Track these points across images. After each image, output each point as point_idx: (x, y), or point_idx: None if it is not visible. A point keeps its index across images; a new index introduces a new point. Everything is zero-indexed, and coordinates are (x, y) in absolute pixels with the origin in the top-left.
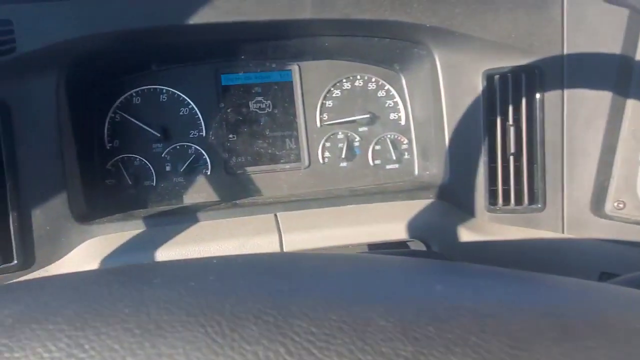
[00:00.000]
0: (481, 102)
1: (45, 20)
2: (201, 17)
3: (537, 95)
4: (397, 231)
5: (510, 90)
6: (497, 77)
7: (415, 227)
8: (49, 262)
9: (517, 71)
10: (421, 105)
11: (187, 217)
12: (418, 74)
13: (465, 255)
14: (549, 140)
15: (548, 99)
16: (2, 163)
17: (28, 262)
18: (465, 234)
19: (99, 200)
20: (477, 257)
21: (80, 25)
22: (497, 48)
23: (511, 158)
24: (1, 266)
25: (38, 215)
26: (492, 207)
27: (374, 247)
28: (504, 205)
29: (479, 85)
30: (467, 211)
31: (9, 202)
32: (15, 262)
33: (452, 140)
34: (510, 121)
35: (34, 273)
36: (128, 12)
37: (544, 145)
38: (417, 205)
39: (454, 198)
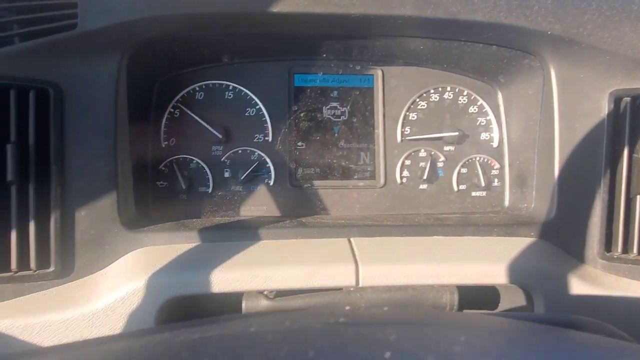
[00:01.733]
0: (605, 128)
1: None
2: (286, 5)
3: None
4: (492, 273)
5: None
6: (627, 99)
7: (515, 270)
8: (89, 271)
9: None
10: (521, 125)
11: (247, 233)
12: (525, 90)
13: (573, 309)
14: None
15: None
16: (48, 154)
17: (67, 270)
18: (576, 285)
19: (148, 204)
20: (589, 313)
21: (149, 5)
22: (631, 65)
23: (638, 198)
24: (36, 272)
25: (83, 217)
26: (607, 254)
27: (465, 290)
28: (622, 253)
29: (603, 108)
30: (576, 256)
31: (52, 200)
32: (53, 268)
33: (563, 169)
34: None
35: (72, 283)
36: None
37: None
38: (516, 244)
39: (560, 239)
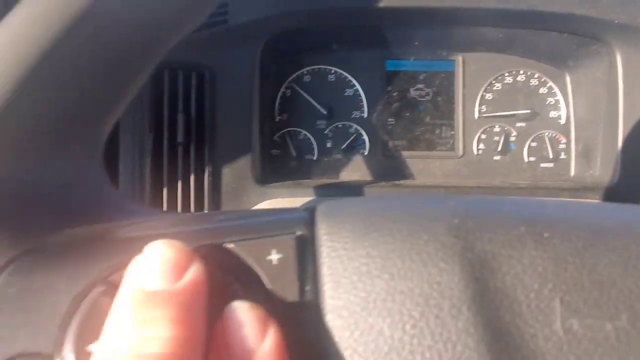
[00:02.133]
0: None
1: None
2: (393, 1)
3: None
4: None
5: None
6: None
7: None
8: None
9: None
10: (587, 104)
11: (351, 191)
12: (592, 73)
13: None
14: None
15: None
16: (205, 123)
17: None
18: None
19: (267, 167)
20: None
21: (288, 1)
22: None
23: None
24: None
25: (227, 173)
26: None
27: None
28: None
29: None
30: None
31: (205, 159)
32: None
33: (625, 141)
34: None
35: None
36: None
37: None
38: None
39: (622, 201)
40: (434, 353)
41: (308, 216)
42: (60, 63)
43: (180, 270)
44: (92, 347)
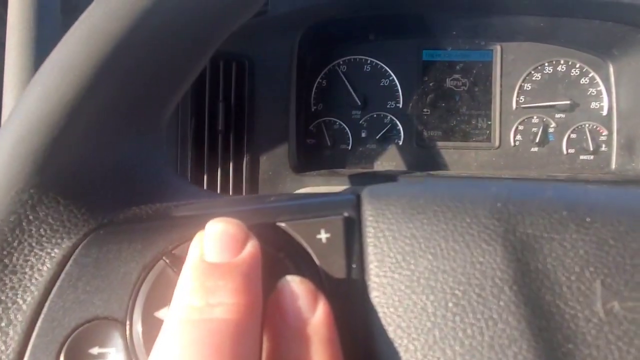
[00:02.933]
0: None
1: None
2: None
3: None
4: None
5: None
6: None
7: None
8: None
9: None
10: (631, 95)
11: (386, 180)
12: (637, 62)
13: None
14: None
15: None
16: (244, 111)
17: None
18: None
19: (302, 157)
20: None
21: None
22: None
23: None
24: None
25: (265, 161)
26: None
27: None
28: None
29: None
30: None
31: (244, 146)
32: None
33: None
34: None
35: None
36: None
37: None
38: None
39: None
40: (475, 330)
41: (355, 199)
42: (132, 52)
43: (239, 245)
44: (160, 314)
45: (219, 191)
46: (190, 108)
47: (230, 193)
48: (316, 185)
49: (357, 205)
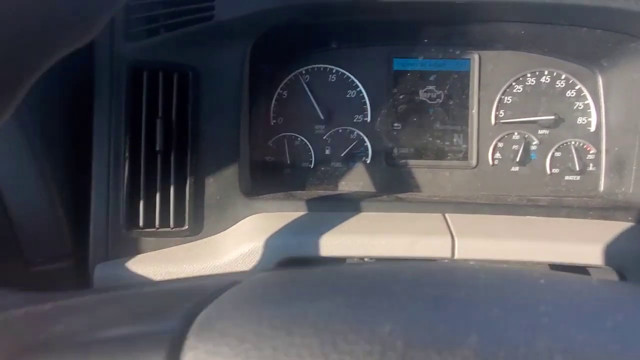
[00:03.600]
0: None
1: None
2: None
3: None
4: (586, 254)
5: None
6: None
7: (611, 252)
8: (215, 231)
9: None
10: (622, 110)
11: (348, 204)
12: (629, 74)
13: None
14: None
15: None
16: (187, 128)
17: (197, 229)
18: None
19: (258, 176)
20: None
21: None
22: None
23: None
24: (174, 229)
25: (211, 184)
26: None
27: (557, 269)
28: None
29: None
30: None
31: (187, 168)
32: (187, 227)
33: None
34: None
35: (201, 241)
36: None
37: None
38: (612, 227)
39: None
40: None
41: (175, 337)
42: None
43: None
44: None
45: (157, 223)
46: (124, 125)
47: (171, 224)
48: (270, 211)
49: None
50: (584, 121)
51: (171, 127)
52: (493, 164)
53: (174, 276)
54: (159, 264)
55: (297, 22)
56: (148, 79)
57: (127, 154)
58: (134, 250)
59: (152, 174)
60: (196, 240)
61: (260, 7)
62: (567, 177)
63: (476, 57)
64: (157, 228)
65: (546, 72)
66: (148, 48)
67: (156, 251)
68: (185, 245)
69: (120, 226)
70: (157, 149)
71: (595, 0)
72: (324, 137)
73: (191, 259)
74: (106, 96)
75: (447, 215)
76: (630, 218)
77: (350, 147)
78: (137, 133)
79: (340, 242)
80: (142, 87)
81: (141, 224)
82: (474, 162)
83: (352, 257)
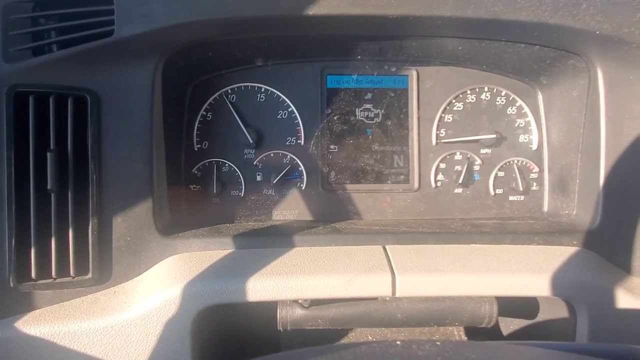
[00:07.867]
0: None
1: (150, 4)
2: (323, 7)
3: None
4: (533, 285)
5: None
6: None
7: (557, 281)
8: (126, 278)
9: None
10: (563, 128)
11: (280, 239)
12: (568, 91)
13: (619, 323)
14: None
15: None
16: (87, 161)
17: (104, 277)
18: (621, 297)
19: (182, 208)
20: (636, 327)
21: (188, 10)
22: None
23: None
24: (75, 279)
25: (120, 224)
26: None
27: (504, 300)
28: None
29: None
30: (622, 267)
31: (90, 207)
32: (90, 275)
33: (609, 175)
34: None
35: (108, 290)
36: None
37: None
38: (557, 253)
39: (605, 248)
40: None
41: None
42: None
43: None
44: None
45: (54, 272)
46: (6, 160)
47: (71, 272)
48: (191, 251)
49: None
50: (525, 139)
51: (66, 161)
52: (436, 186)
53: (75, 335)
54: (56, 321)
55: (213, 38)
56: (35, 106)
57: (12, 195)
58: (27, 306)
59: (45, 216)
60: (102, 290)
61: (168, 22)
62: (511, 198)
63: (414, 73)
64: (54, 279)
65: (486, 89)
66: (34, 69)
67: (53, 306)
68: (89, 296)
69: (6, 280)
70: (49, 187)
71: (532, 16)
72: (255, 163)
73: (95, 314)
74: None
75: (387, 247)
76: (575, 242)
77: (283, 172)
78: (26, 169)
79: (269, 284)
80: (28, 115)
81: (33, 275)
82: (415, 185)
83: (284, 300)
